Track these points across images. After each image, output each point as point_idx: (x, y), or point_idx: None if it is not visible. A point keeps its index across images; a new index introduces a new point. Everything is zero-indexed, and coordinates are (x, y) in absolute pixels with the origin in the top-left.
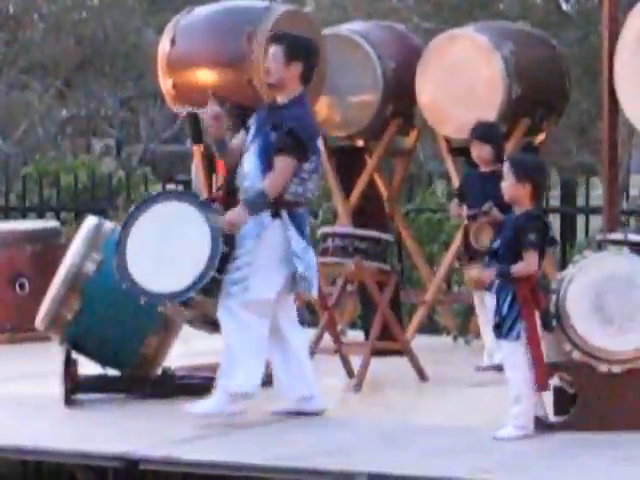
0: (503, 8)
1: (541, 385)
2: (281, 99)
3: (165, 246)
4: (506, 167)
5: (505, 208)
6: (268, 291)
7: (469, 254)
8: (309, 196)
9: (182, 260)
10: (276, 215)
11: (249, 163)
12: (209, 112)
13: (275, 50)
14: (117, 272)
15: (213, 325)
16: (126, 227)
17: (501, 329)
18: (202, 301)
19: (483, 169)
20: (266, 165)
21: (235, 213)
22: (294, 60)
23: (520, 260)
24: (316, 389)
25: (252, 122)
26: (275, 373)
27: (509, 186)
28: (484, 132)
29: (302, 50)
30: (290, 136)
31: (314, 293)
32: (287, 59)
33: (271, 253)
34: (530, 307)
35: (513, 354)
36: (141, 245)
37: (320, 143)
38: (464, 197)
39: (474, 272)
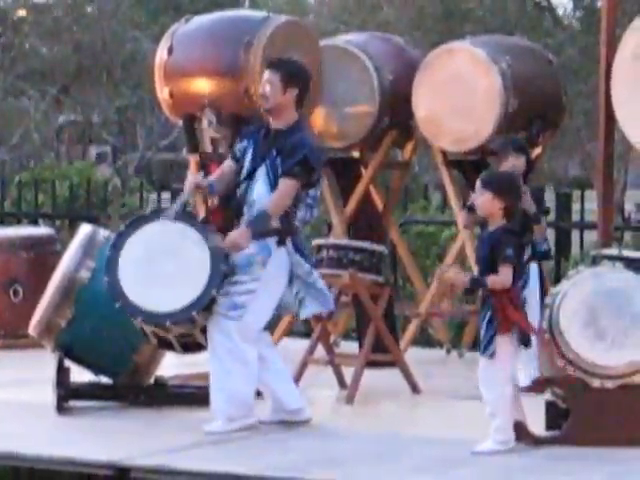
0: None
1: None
2: (278, 124)
3: (160, 266)
4: (480, 184)
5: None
6: (263, 320)
7: None
8: (309, 221)
9: (180, 279)
10: (281, 242)
11: (257, 191)
12: (190, 182)
13: (271, 77)
14: (110, 291)
15: (187, 347)
16: (117, 246)
17: (479, 345)
18: (199, 320)
19: None
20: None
21: (238, 233)
22: (290, 86)
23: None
24: (303, 400)
25: (245, 144)
26: (264, 391)
27: (485, 202)
28: (520, 144)
29: (298, 76)
30: (302, 163)
31: (330, 307)
32: (284, 85)
33: (276, 282)
34: (508, 323)
35: (487, 370)
36: (134, 265)
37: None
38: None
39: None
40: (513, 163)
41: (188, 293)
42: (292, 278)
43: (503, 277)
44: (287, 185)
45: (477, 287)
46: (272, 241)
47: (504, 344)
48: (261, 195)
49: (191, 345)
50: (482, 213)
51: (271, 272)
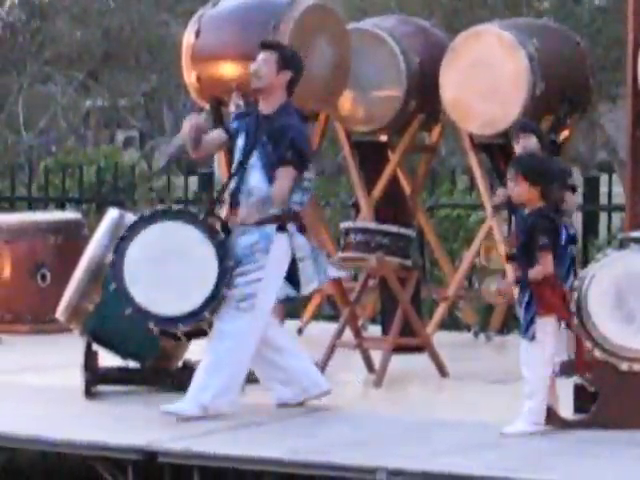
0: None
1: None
2: (266, 106)
3: (166, 268)
4: (516, 172)
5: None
6: (270, 306)
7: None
8: (306, 204)
9: (188, 280)
10: (281, 228)
11: (254, 179)
12: (190, 123)
13: (267, 56)
14: (118, 297)
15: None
16: (120, 251)
17: (515, 326)
18: (209, 317)
19: None
20: (271, 178)
21: (246, 212)
22: (285, 68)
23: (535, 261)
24: (318, 373)
25: (236, 125)
26: (271, 374)
27: (522, 191)
28: (524, 124)
29: (293, 60)
30: (292, 148)
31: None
32: (279, 66)
33: (279, 267)
34: (547, 307)
35: (528, 352)
36: (139, 268)
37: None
38: None
39: (493, 286)
40: (523, 144)
41: (198, 294)
42: (296, 261)
43: (544, 266)
44: (283, 173)
45: (523, 283)
46: (272, 228)
47: (544, 326)
48: (258, 182)
49: (196, 333)
50: (518, 200)
51: (274, 258)
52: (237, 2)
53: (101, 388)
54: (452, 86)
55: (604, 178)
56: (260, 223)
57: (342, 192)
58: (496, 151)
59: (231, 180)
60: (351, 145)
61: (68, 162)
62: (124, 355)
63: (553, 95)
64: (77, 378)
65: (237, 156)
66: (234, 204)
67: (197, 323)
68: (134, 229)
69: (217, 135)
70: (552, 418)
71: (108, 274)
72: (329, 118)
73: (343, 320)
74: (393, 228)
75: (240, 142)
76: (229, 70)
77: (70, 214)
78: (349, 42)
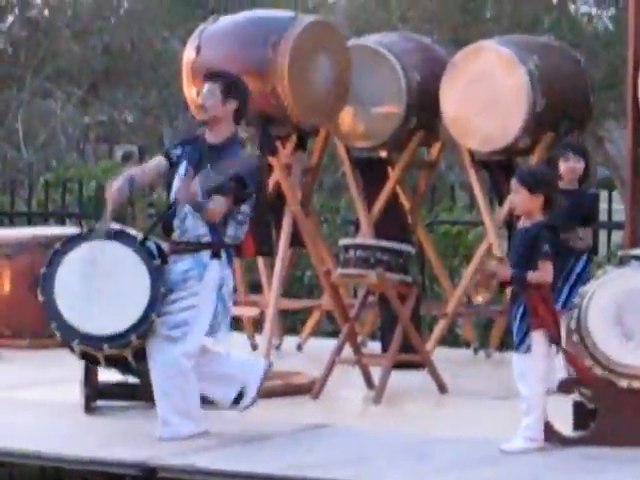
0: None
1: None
2: (213, 136)
3: (97, 286)
4: (516, 180)
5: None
6: (203, 333)
7: None
8: (240, 238)
9: (118, 301)
10: (215, 255)
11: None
12: (112, 191)
13: (212, 87)
14: (45, 310)
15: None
16: (52, 264)
17: (513, 342)
18: (135, 343)
19: (567, 186)
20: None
21: (215, 204)
22: (230, 98)
23: (536, 268)
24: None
25: (179, 152)
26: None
27: (523, 200)
28: (579, 147)
29: (238, 89)
30: (234, 180)
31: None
32: (224, 96)
33: (211, 294)
34: (540, 321)
35: (523, 367)
36: (70, 284)
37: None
38: None
39: (493, 264)
40: (573, 165)
41: (127, 316)
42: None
43: (543, 273)
44: (219, 201)
45: (518, 282)
46: (206, 254)
47: (538, 339)
48: (192, 211)
49: (118, 362)
50: (520, 211)
51: (208, 285)
52: (237, 18)
53: (100, 403)
54: (452, 102)
55: (604, 195)
56: (194, 250)
57: (342, 208)
58: (496, 168)
59: (170, 209)
60: (351, 161)
61: (68, 177)
62: (123, 370)
63: (553, 112)
64: (77, 393)
65: (176, 183)
66: (167, 229)
67: (122, 347)
68: (69, 244)
69: (157, 163)
70: (550, 435)
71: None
72: (329, 134)
73: (343, 336)
74: (393, 244)
75: (181, 170)
76: None
77: (70, 229)
78: (349, 58)
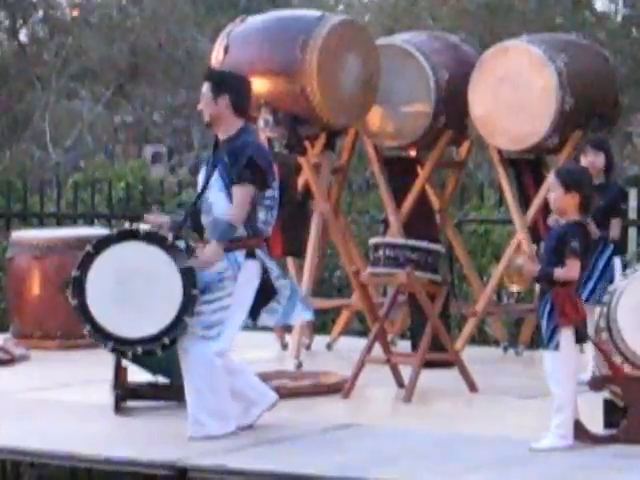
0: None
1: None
2: (222, 133)
3: (129, 289)
4: (553, 178)
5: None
6: (236, 332)
7: None
8: (272, 223)
9: (151, 304)
10: (249, 254)
11: (213, 197)
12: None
13: (204, 89)
14: (77, 314)
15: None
16: (83, 267)
17: (541, 340)
18: (167, 343)
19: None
20: (231, 196)
21: (210, 251)
22: (220, 95)
23: (563, 264)
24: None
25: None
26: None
27: (557, 197)
28: (597, 141)
29: (225, 83)
30: (249, 166)
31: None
32: (214, 94)
33: (248, 294)
34: (568, 318)
35: (553, 365)
36: (102, 287)
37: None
38: None
39: (520, 260)
40: (592, 160)
41: (160, 319)
42: (271, 282)
43: (570, 270)
44: (241, 192)
45: (545, 278)
46: (241, 254)
47: (567, 336)
48: (217, 200)
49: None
50: (555, 208)
51: (242, 285)
52: (266, 18)
53: (131, 404)
54: (481, 101)
55: (633, 192)
56: (228, 249)
57: (371, 207)
58: (524, 166)
59: (194, 207)
60: (380, 160)
61: (96, 178)
62: (153, 371)
63: (582, 110)
64: (106, 394)
65: (200, 183)
66: (197, 228)
67: (153, 346)
68: (100, 246)
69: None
70: (581, 433)
71: (71, 289)
72: (358, 133)
73: (372, 335)
74: (422, 243)
75: (201, 174)
76: (257, 86)
77: (99, 230)
78: (378, 58)
